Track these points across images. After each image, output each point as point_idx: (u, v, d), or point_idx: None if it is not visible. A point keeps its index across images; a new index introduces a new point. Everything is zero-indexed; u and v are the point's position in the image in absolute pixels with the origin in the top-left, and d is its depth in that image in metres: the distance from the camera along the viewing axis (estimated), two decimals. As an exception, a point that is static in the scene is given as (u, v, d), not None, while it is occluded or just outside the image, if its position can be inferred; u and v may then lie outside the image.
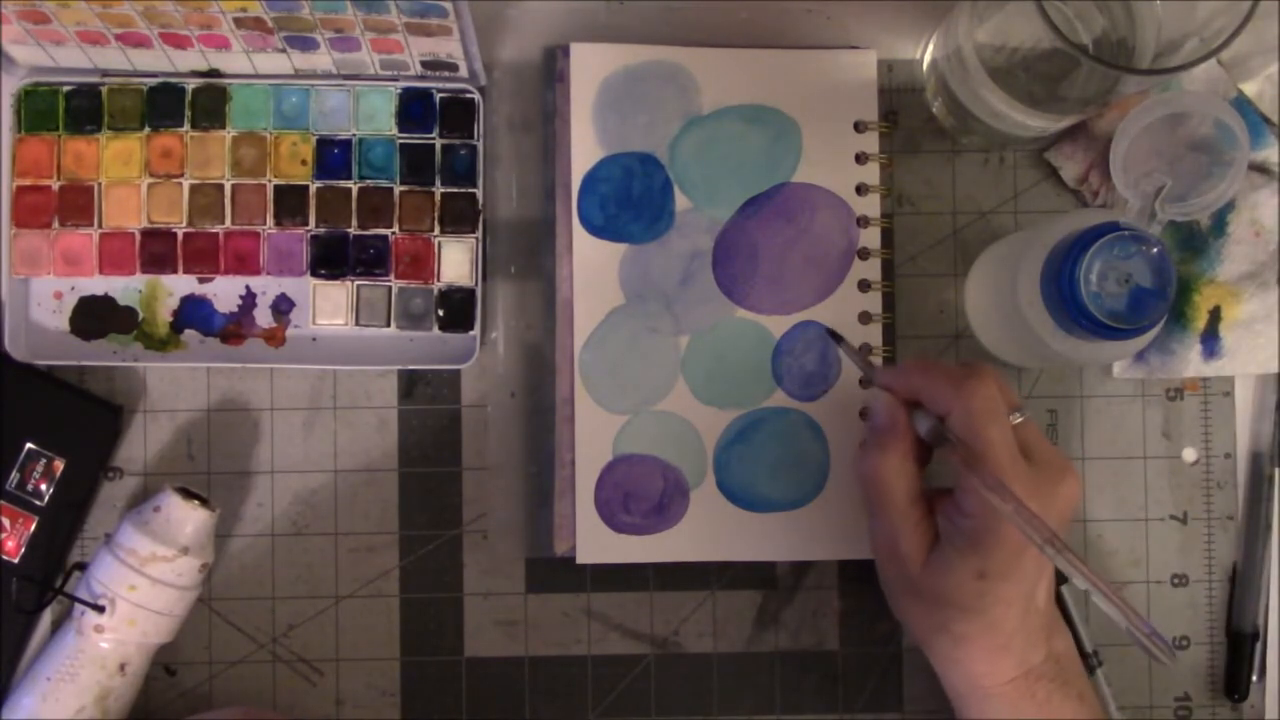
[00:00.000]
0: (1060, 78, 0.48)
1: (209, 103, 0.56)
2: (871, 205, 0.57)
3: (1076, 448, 0.58)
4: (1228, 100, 0.56)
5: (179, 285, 0.57)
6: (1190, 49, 0.46)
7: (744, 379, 0.56)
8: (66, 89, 0.56)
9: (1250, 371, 0.57)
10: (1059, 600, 0.56)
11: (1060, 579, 0.56)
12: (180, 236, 0.56)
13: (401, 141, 0.56)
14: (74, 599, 0.52)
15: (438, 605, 0.57)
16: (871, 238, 0.57)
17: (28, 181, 0.56)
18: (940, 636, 0.50)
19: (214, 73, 0.56)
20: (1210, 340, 0.57)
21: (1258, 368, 0.57)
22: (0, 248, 0.56)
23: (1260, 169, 0.57)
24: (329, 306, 0.56)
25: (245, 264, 0.56)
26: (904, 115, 0.58)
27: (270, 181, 0.56)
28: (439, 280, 0.56)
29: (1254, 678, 0.57)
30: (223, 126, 0.56)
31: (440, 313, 0.56)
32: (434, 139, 0.56)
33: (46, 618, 0.56)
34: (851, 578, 0.57)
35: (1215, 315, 0.57)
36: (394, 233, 0.56)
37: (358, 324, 0.56)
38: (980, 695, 0.50)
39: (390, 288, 0.56)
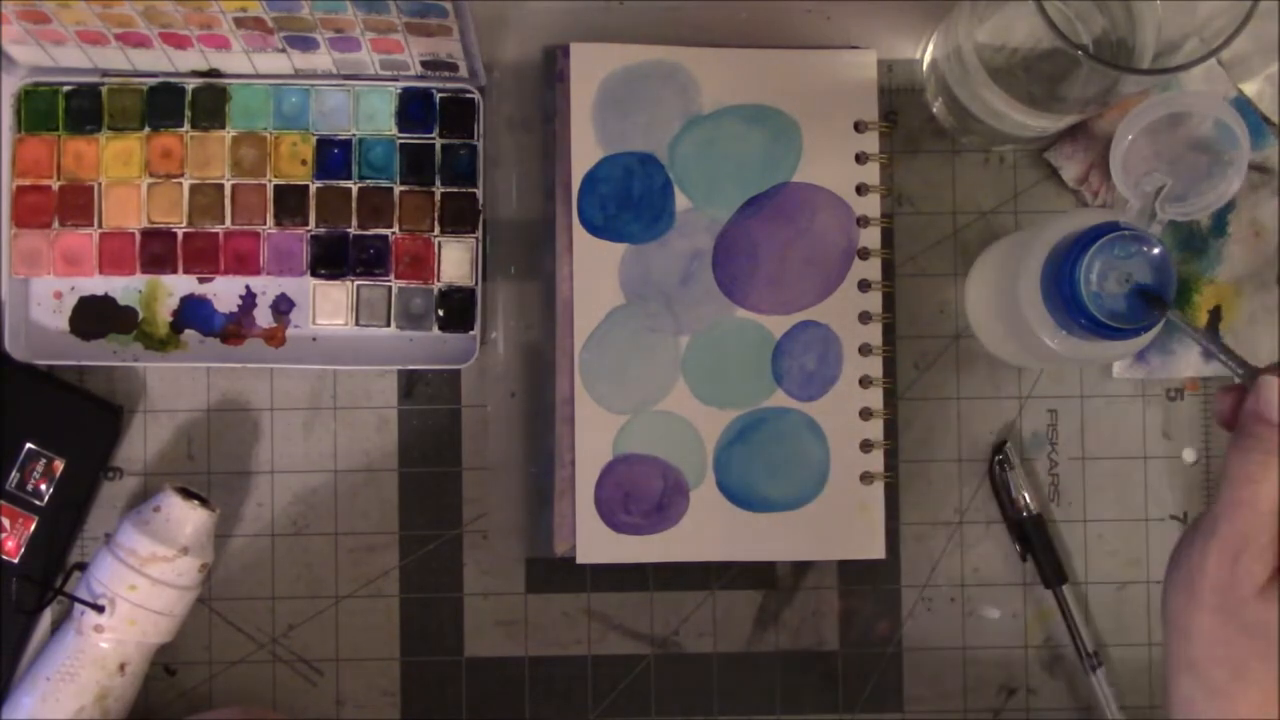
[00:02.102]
0: (1060, 78, 0.48)
1: (209, 103, 0.56)
2: (871, 205, 0.57)
3: (1076, 448, 0.58)
4: (1227, 100, 0.56)
5: (179, 285, 0.57)
6: (1190, 49, 0.46)
7: (744, 379, 0.56)
8: (66, 89, 0.56)
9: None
10: (1058, 600, 0.57)
11: (1061, 579, 0.57)
12: (180, 236, 0.56)
13: (401, 141, 0.56)
14: (74, 599, 0.52)
15: (438, 605, 0.57)
16: (871, 238, 0.57)
17: (28, 181, 0.56)
18: (1223, 667, 0.43)
19: (214, 73, 0.56)
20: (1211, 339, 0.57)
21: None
22: (0, 248, 0.56)
23: (1260, 169, 0.57)
24: (329, 306, 0.56)
25: (245, 264, 0.56)
26: (904, 115, 0.58)
27: (270, 181, 0.56)
28: (439, 280, 0.56)
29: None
30: (223, 126, 0.56)
31: (440, 313, 0.56)
32: (434, 139, 0.56)
33: (46, 618, 0.56)
34: (851, 578, 0.57)
35: (1216, 315, 0.57)
36: (394, 233, 0.56)
37: (358, 324, 0.56)
38: None
39: (390, 288, 0.56)
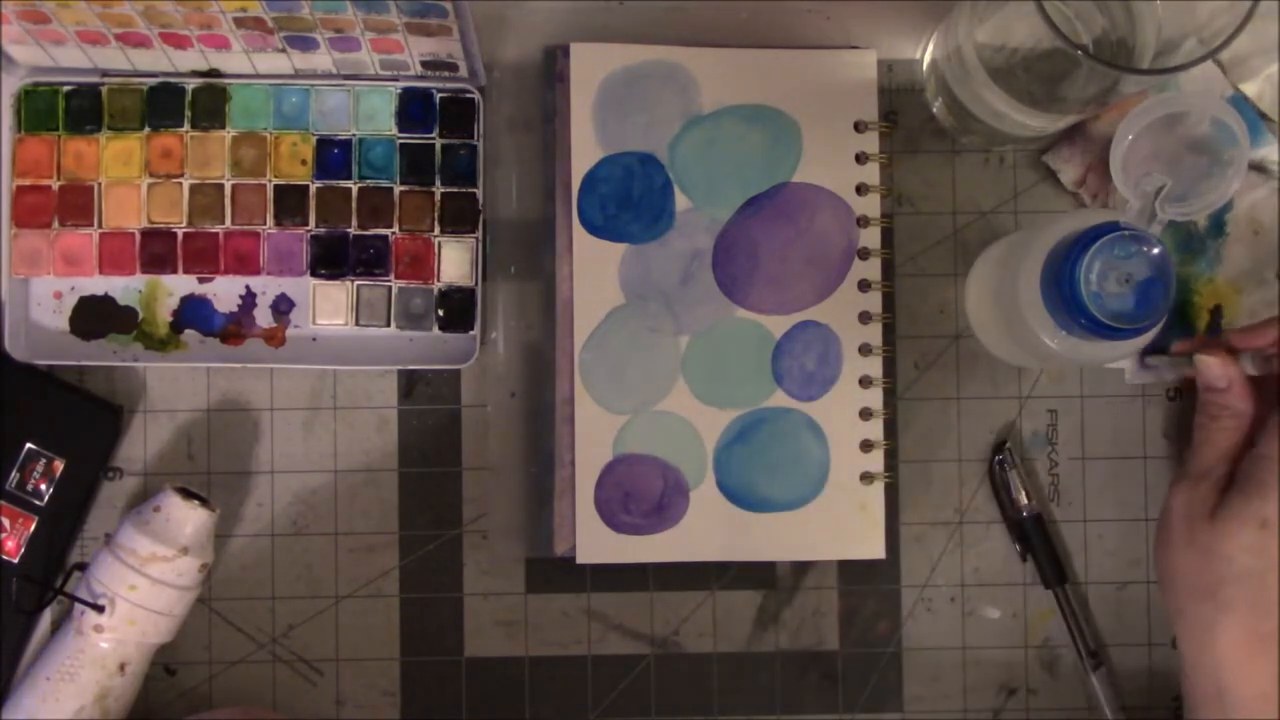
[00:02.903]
0: (1060, 78, 0.48)
1: (209, 103, 0.56)
2: (871, 205, 0.57)
3: (1076, 448, 0.58)
4: (1225, 99, 0.56)
5: (179, 285, 0.57)
6: (1189, 49, 0.46)
7: (744, 379, 0.56)
8: (66, 89, 0.56)
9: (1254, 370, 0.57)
10: (1058, 600, 0.57)
11: (1061, 579, 0.57)
12: (180, 236, 0.56)
13: (401, 141, 0.56)
14: (74, 599, 0.52)
15: (438, 605, 0.57)
16: (871, 238, 0.57)
17: (28, 181, 0.56)
18: (1204, 605, 0.47)
19: (214, 73, 0.56)
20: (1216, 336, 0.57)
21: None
22: (0, 248, 0.56)
23: (1258, 167, 0.57)
24: (329, 306, 0.56)
25: (245, 264, 0.56)
26: (904, 115, 0.58)
27: (270, 181, 0.56)
28: (439, 280, 0.56)
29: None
30: (223, 126, 0.56)
31: (440, 313, 0.56)
32: (434, 139, 0.56)
33: (46, 618, 0.56)
34: (851, 578, 0.57)
35: (1217, 314, 0.57)
36: (394, 233, 0.56)
37: (358, 324, 0.56)
38: (1224, 703, 0.46)
39: (390, 288, 0.56)
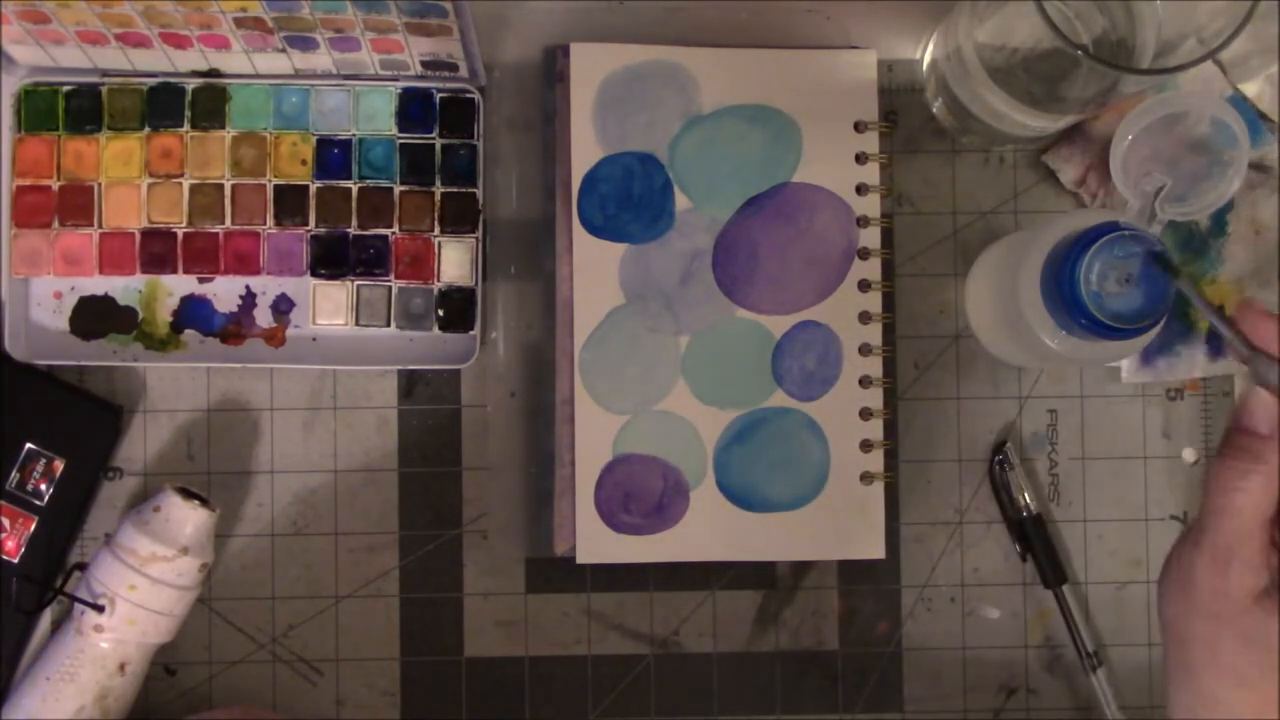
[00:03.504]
0: (1060, 78, 0.48)
1: (209, 103, 0.56)
2: (871, 205, 0.57)
3: (1076, 448, 0.58)
4: (1224, 99, 0.56)
5: (179, 285, 0.57)
6: (1189, 49, 0.46)
7: (744, 379, 0.56)
8: (66, 89, 0.56)
9: None
10: (1058, 600, 0.57)
11: (1061, 579, 0.57)
12: (180, 236, 0.56)
13: (401, 141, 0.56)
14: (74, 599, 0.52)
15: (438, 605, 0.57)
16: (871, 238, 0.57)
17: (28, 181, 0.56)
18: (1223, 677, 0.43)
19: (214, 73, 0.56)
20: (1216, 339, 0.57)
21: None
22: (0, 248, 0.56)
23: (1259, 167, 0.57)
24: (329, 306, 0.56)
25: (245, 264, 0.56)
26: (904, 115, 0.58)
27: (270, 181, 0.56)
28: (439, 280, 0.56)
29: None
30: (223, 126, 0.56)
31: (440, 313, 0.56)
32: (434, 139, 0.56)
33: (46, 618, 0.56)
34: (851, 578, 0.57)
35: (1219, 314, 0.57)
36: (394, 233, 0.56)
37: (358, 324, 0.56)
38: None
39: (390, 288, 0.56)
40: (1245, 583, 0.42)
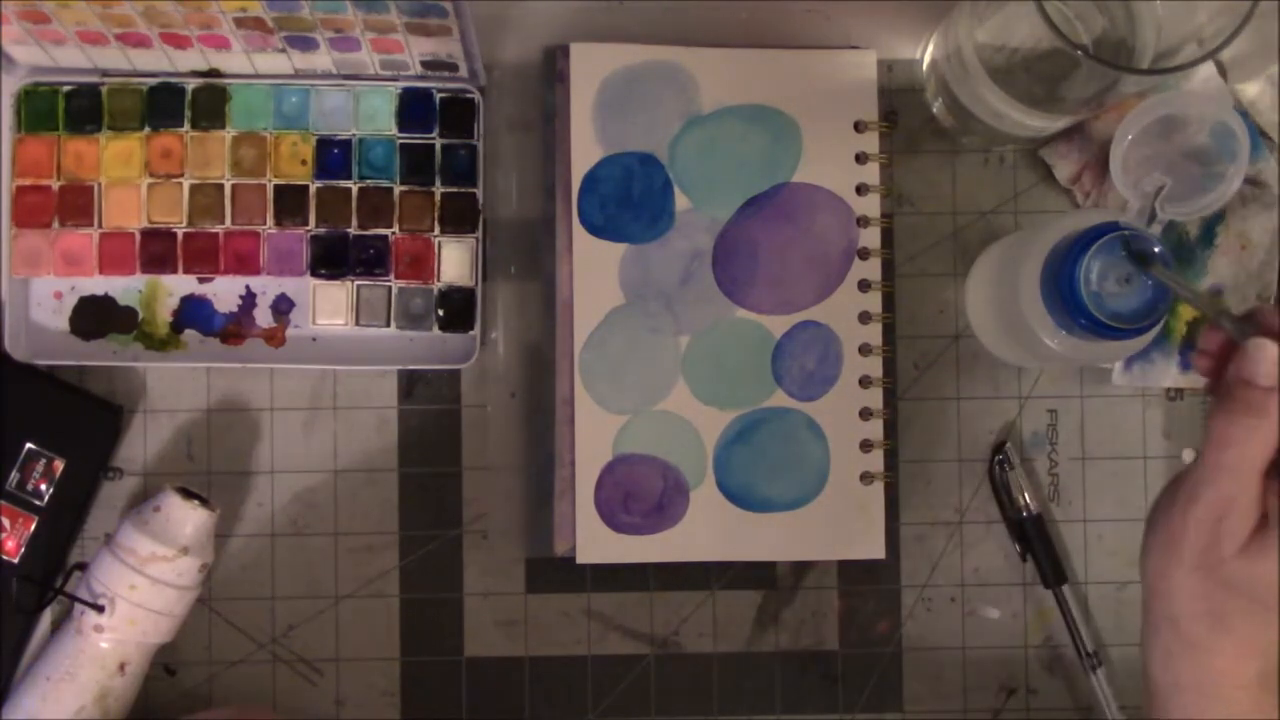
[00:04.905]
0: (1060, 78, 0.48)
1: (209, 103, 0.56)
2: (871, 205, 0.57)
3: (1076, 448, 0.58)
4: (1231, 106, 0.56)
5: (179, 285, 0.57)
6: (1189, 52, 0.46)
7: (744, 379, 0.56)
8: (66, 89, 0.56)
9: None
10: (1058, 600, 0.57)
11: (1061, 579, 0.57)
12: (180, 236, 0.56)
13: (401, 141, 0.56)
14: (74, 599, 0.52)
15: (438, 605, 0.57)
16: (871, 238, 0.57)
17: (28, 181, 0.56)
18: (1203, 621, 0.44)
19: (214, 73, 0.56)
20: (1188, 352, 0.57)
21: None
22: (0, 248, 0.56)
23: (1254, 182, 0.56)
24: (329, 306, 0.56)
25: (245, 264, 0.56)
26: (904, 115, 0.58)
27: (270, 181, 0.56)
28: (439, 280, 0.56)
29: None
30: (223, 126, 0.56)
31: (440, 313, 0.56)
32: (434, 139, 0.56)
33: (46, 618, 0.56)
34: (851, 578, 0.57)
35: (1194, 327, 0.56)
36: (394, 233, 0.56)
37: (358, 324, 0.56)
38: (1210, 693, 0.44)
39: (390, 288, 0.56)
40: (1234, 533, 0.42)
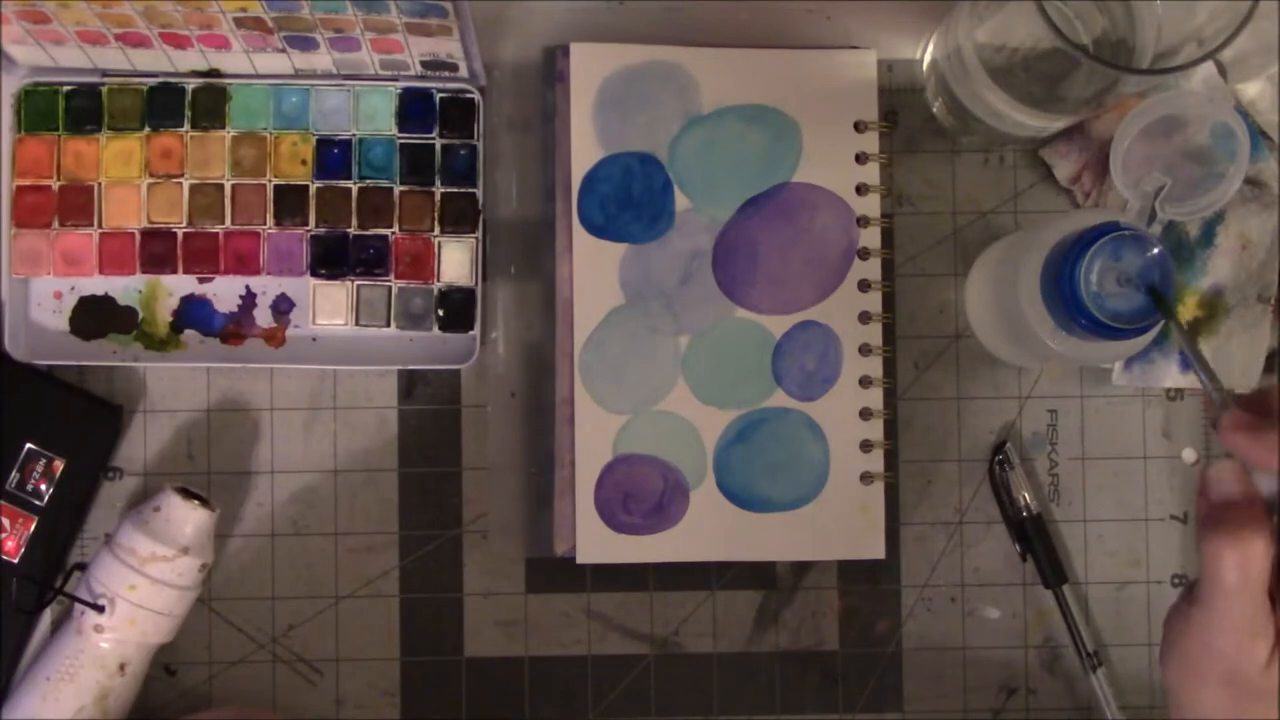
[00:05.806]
0: (1060, 78, 0.48)
1: (209, 103, 0.56)
2: (871, 205, 0.57)
3: (1076, 448, 0.58)
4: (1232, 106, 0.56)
5: (179, 285, 0.57)
6: (1189, 52, 0.46)
7: (744, 379, 0.56)
8: (66, 89, 0.56)
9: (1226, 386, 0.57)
10: (1058, 600, 0.57)
11: (1060, 579, 0.57)
12: (180, 236, 0.56)
13: (401, 141, 0.56)
14: (74, 599, 0.52)
15: (438, 605, 0.57)
16: (871, 238, 0.57)
17: (28, 181, 0.56)
18: None
19: (214, 73, 0.56)
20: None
21: (1232, 383, 0.56)
22: (0, 248, 0.56)
23: (1254, 182, 0.56)
24: (329, 306, 0.56)
25: (245, 264, 0.56)
26: (904, 115, 0.58)
27: (270, 181, 0.56)
28: (439, 280, 0.56)
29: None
30: (223, 126, 0.56)
31: (440, 313, 0.56)
32: (434, 139, 0.56)
33: (46, 618, 0.56)
34: (851, 578, 0.57)
35: (1194, 327, 0.56)
36: (394, 233, 0.56)
37: (358, 324, 0.56)
38: None
39: (390, 288, 0.56)
40: (1258, 657, 0.42)
